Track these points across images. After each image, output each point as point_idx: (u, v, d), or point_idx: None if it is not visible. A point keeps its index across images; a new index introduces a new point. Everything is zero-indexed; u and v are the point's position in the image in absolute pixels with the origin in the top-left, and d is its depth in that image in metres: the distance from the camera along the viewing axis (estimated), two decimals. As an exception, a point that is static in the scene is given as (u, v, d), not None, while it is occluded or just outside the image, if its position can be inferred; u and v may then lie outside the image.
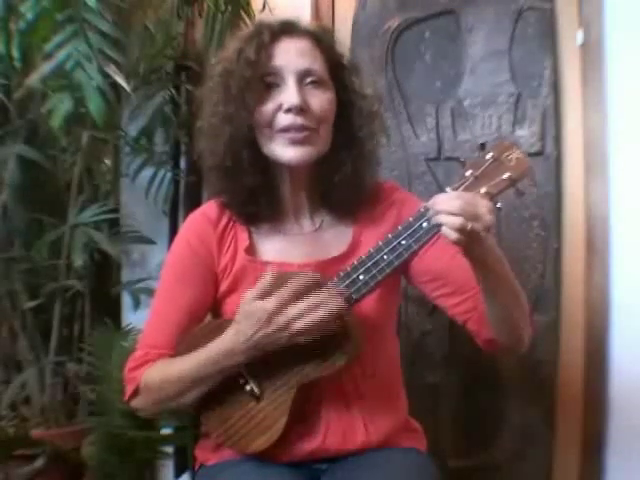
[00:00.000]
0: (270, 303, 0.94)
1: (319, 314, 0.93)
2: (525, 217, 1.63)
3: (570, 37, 1.62)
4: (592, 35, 1.58)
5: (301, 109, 1.02)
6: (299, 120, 1.02)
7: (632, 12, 1.54)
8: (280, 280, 0.96)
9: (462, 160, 0.94)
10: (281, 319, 0.93)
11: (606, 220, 1.57)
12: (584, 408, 1.60)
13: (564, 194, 1.64)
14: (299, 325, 0.93)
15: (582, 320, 1.61)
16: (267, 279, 0.95)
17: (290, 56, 1.05)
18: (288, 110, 1.02)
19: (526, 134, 1.64)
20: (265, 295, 0.95)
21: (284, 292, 0.94)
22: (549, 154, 1.63)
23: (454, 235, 0.87)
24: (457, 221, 0.85)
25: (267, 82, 1.04)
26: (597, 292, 1.58)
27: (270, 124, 1.04)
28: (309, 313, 0.93)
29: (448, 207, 0.87)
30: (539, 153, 1.62)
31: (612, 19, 1.56)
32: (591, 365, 1.59)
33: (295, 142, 1.03)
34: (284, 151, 1.04)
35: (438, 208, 0.88)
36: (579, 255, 1.62)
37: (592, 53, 1.58)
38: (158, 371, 1.06)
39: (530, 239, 1.64)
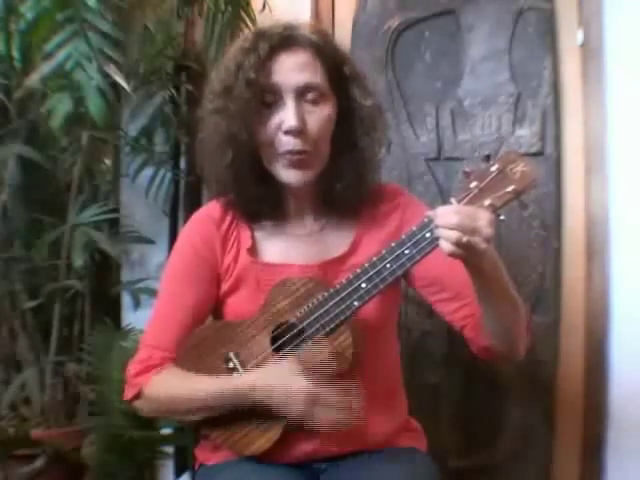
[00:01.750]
0: (311, 389, 0.98)
1: (336, 419, 0.98)
2: (525, 217, 1.63)
3: (570, 37, 1.62)
4: (592, 35, 1.58)
5: (299, 131, 1.03)
6: (298, 145, 1.03)
7: (632, 12, 1.54)
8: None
9: (467, 171, 0.94)
10: (308, 405, 0.97)
11: (606, 220, 1.57)
12: (584, 408, 1.60)
13: (564, 194, 1.64)
14: (316, 420, 0.98)
15: (582, 321, 1.61)
16: (315, 360, 0.99)
17: (289, 72, 1.04)
18: (287, 132, 1.03)
19: (526, 134, 1.64)
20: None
21: (330, 388, 0.98)
22: (549, 154, 1.63)
23: (449, 248, 0.87)
24: (453, 235, 0.86)
25: (266, 101, 1.04)
26: (597, 292, 1.58)
27: (272, 144, 1.05)
28: (332, 413, 0.98)
29: (445, 221, 0.87)
30: (539, 153, 1.62)
31: (612, 19, 1.56)
32: (591, 365, 1.59)
33: (294, 165, 1.05)
34: (284, 173, 1.06)
35: (436, 222, 0.89)
36: (579, 255, 1.61)
37: (592, 53, 1.58)
38: (166, 386, 1.06)
39: (530, 239, 1.64)
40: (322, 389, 0.98)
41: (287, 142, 1.03)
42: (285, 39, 1.05)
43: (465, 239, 0.85)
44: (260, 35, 1.06)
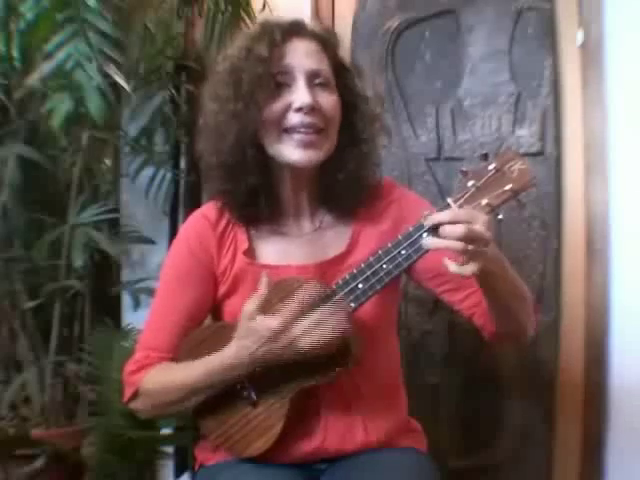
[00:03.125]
0: (275, 321, 0.94)
1: (324, 334, 0.94)
2: (525, 217, 1.63)
3: (570, 37, 1.62)
4: (592, 35, 1.58)
5: (312, 108, 1.03)
6: (308, 119, 1.03)
7: (632, 12, 1.54)
8: (280, 288, 0.97)
9: (464, 170, 0.93)
10: (285, 338, 0.94)
11: (606, 220, 1.57)
12: (584, 408, 1.60)
13: (564, 194, 1.64)
14: (303, 344, 0.94)
15: (582, 320, 1.61)
16: (264, 288, 0.96)
17: (300, 56, 1.05)
18: (299, 109, 1.03)
19: (526, 134, 1.64)
20: (267, 308, 0.96)
21: (288, 309, 0.95)
22: (549, 154, 1.63)
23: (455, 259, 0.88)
24: (458, 246, 0.86)
25: (277, 81, 1.05)
26: (597, 292, 1.58)
27: (279, 123, 1.04)
28: (314, 331, 0.94)
29: (447, 233, 0.87)
30: (539, 153, 1.62)
31: (612, 19, 1.56)
32: (591, 365, 1.59)
33: (304, 144, 1.04)
34: (292, 153, 1.04)
35: (440, 233, 0.88)
36: (579, 255, 1.61)
37: (592, 53, 1.58)
38: (158, 377, 1.06)
39: (530, 239, 1.64)
40: (291, 313, 0.95)
41: (297, 117, 1.03)
42: (296, 26, 1.07)
43: (469, 248, 0.86)
44: (269, 23, 1.08)
